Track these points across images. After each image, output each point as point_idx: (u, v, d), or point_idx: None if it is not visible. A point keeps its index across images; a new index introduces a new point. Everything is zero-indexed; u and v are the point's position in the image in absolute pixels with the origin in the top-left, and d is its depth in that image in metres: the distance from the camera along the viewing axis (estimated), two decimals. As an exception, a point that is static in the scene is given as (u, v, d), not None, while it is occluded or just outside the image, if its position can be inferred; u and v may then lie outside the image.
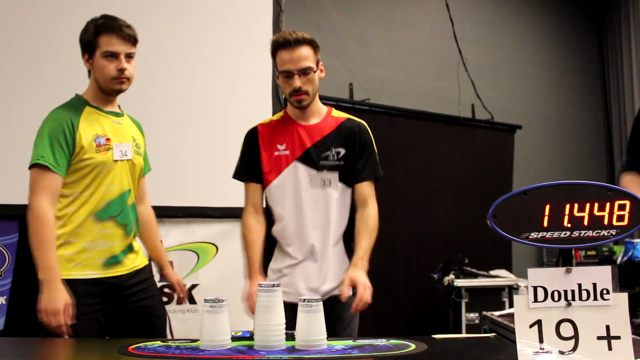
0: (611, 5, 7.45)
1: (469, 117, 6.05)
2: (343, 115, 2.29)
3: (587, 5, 7.61)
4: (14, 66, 3.00)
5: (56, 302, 1.90)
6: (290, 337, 1.57)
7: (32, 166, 2.01)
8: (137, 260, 2.21)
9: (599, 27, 7.66)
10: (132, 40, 2.13)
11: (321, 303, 1.55)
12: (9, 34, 3.01)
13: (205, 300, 1.54)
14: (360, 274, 2.06)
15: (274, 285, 1.54)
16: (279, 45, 2.14)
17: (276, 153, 2.20)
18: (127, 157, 2.15)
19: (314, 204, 2.17)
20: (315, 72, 2.17)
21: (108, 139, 2.11)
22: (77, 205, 2.06)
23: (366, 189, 2.22)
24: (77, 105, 2.13)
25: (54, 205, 2.01)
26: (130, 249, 2.18)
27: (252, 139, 2.25)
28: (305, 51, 2.14)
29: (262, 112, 3.40)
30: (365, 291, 2.02)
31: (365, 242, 2.13)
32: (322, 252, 2.17)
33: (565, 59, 7.35)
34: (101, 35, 2.09)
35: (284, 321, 1.55)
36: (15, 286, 2.98)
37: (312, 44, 2.17)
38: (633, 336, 1.34)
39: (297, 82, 2.14)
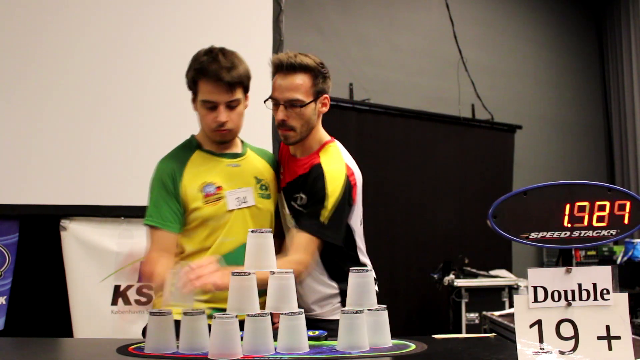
0: (611, 6, 7.45)
1: (469, 117, 6.05)
2: (323, 157, 1.89)
3: (587, 6, 7.61)
4: (13, 67, 3.00)
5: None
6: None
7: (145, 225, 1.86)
8: None
9: (599, 28, 7.66)
10: (236, 85, 1.81)
11: (364, 315, 1.48)
12: (7, 35, 3.01)
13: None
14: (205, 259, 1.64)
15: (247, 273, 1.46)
16: (274, 67, 1.86)
17: (280, 175, 2.03)
18: (247, 204, 1.89)
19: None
20: (307, 106, 1.83)
21: (219, 187, 1.86)
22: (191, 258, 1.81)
23: (298, 238, 1.79)
24: (187, 150, 1.93)
25: (165, 255, 1.79)
26: None
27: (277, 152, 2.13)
28: (299, 80, 1.82)
29: (262, 113, 3.36)
30: (191, 272, 1.54)
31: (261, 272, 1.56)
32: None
33: (565, 59, 7.36)
34: (199, 81, 1.82)
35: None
36: (15, 286, 2.98)
37: (313, 72, 1.83)
38: (633, 336, 1.34)
39: (281, 114, 1.83)
